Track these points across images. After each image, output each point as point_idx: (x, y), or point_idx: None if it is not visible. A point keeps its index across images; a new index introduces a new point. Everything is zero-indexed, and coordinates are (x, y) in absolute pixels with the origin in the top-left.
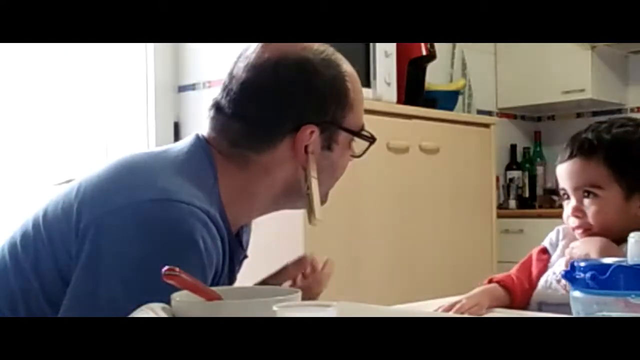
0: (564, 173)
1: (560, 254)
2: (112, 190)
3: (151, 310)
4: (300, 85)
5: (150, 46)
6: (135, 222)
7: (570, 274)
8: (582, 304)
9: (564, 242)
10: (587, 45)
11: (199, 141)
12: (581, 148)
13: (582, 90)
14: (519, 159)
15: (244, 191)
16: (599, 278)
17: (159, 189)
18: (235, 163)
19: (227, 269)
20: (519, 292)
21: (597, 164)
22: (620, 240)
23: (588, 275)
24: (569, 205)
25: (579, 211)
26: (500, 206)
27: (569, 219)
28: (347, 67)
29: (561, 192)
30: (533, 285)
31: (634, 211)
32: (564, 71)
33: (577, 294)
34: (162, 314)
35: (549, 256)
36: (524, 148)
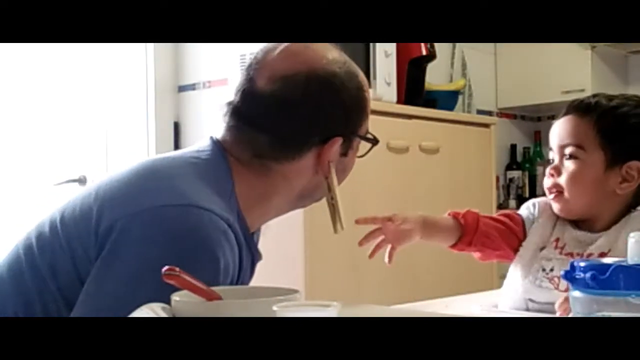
0: (555, 129)
1: (537, 240)
2: (132, 194)
3: (151, 310)
4: (329, 101)
5: (150, 46)
6: (154, 226)
7: (570, 274)
8: (582, 304)
9: (540, 221)
10: (587, 45)
11: (215, 146)
12: (576, 107)
13: (582, 90)
14: (519, 159)
15: (261, 197)
16: (599, 278)
17: (180, 194)
18: (254, 171)
19: (243, 275)
20: (470, 234)
21: (587, 124)
22: (590, 217)
23: (588, 275)
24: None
25: (555, 170)
26: (500, 206)
27: (545, 180)
28: (362, 74)
29: (550, 155)
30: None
31: (611, 187)
32: (564, 71)
33: (577, 294)
34: (162, 314)
35: (523, 230)
36: (524, 148)
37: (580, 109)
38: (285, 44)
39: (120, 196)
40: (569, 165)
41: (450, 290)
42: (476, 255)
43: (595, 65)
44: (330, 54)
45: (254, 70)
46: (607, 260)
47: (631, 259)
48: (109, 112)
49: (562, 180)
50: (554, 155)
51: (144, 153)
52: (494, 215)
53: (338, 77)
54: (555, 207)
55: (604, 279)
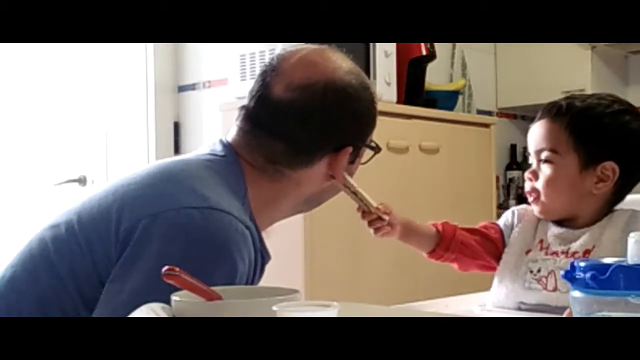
0: (530, 134)
1: (521, 245)
2: (153, 196)
3: (151, 310)
4: (345, 111)
5: (150, 46)
6: (176, 227)
7: (570, 274)
8: (582, 304)
9: (520, 226)
10: (587, 45)
11: (228, 150)
12: (549, 111)
13: (582, 90)
14: (519, 159)
15: (272, 201)
16: (599, 278)
17: (201, 197)
18: (267, 176)
19: (256, 277)
20: (447, 239)
21: (559, 128)
22: (569, 217)
23: (588, 275)
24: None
25: (533, 174)
26: (500, 206)
27: (525, 184)
28: (372, 85)
29: (529, 159)
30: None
31: (587, 187)
32: (564, 71)
33: (577, 294)
34: (162, 314)
35: (502, 238)
36: (524, 148)
37: (552, 113)
38: (302, 51)
39: (141, 197)
40: (545, 169)
41: (450, 290)
42: (454, 265)
43: (595, 65)
44: (346, 65)
45: (270, 77)
46: (607, 260)
47: (631, 259)
48: (109, 112)
49: (539, 184)
50: (532, 159)
51: (144, 153)
52: (471, 227)
53: (354, 88)
54: (535, 210)
55: (604, 279)
